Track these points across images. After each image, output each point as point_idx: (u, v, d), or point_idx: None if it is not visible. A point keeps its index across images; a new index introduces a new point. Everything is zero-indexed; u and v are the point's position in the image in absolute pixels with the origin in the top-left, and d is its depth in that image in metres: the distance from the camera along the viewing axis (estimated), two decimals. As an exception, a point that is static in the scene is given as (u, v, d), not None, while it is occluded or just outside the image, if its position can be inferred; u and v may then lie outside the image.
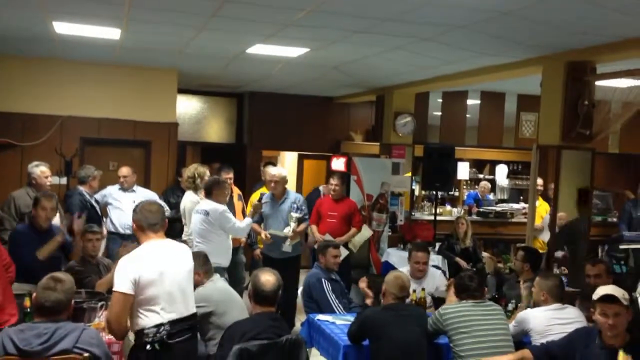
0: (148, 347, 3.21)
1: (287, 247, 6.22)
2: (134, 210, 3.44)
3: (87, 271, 4.84)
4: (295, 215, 6.20)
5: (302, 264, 6.81)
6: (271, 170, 6.50)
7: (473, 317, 3.89)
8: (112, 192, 6.99)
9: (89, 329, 3.16)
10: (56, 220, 5.28)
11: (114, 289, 3.22)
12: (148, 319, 3.24)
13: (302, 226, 6.37)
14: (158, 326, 3.24)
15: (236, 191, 6.78)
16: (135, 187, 7.10)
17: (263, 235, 6.23)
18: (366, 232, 7.32)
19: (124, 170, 7.04)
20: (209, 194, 5.74)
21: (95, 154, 7.87)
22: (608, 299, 3.31)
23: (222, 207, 5.66)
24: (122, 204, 6.89)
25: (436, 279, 5.36)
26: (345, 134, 10.56)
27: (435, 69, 7.00)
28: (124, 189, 6.99)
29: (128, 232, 6.81)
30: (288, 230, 6.17)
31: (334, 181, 6.76)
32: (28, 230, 5.00)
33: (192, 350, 3.47)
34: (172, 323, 3.28)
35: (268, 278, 3.51)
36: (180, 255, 3.47)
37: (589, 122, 5.59)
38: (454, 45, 5.66)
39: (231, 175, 6.63)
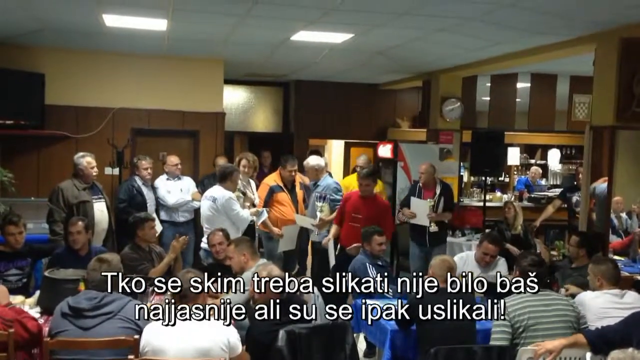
0: None
1: (314, 235, 6.24)
2: None
3: (140, 258, 4.96)
4: (319, 204, 6.21)
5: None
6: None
7: (536, 309, 3.68)
8: (161, 183, 7.13)
9: (134, 300, 3.41)
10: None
11: None
12: None
13: (333, 215, 6.29)
14: None
15: (298, 179, 6.85)
16: (181, 175, 7.24)
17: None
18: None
19: (175, 159, 7.18)
20: (222, 181, 5.86)
21: (146, 144, 8.03)
22: None
23: (229, 194, 5.78)
24: (172, 192, 7.06)
25: (499, 267, 5.27)
26: (392, 120, 10.46)
27: (483, 50, 6.84)
28: (172, 177, 7.13)
29: (181, 219, 6.99)
30: (316, 219, 6.20)
31: (364, 181, 5.96)
32: (66, 252, 4.94)
33: None
34: None
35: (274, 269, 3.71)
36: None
37: (645, 101, 5.38)
38: (502, 24, 5.51)
39: (296, 167, 6.71)
